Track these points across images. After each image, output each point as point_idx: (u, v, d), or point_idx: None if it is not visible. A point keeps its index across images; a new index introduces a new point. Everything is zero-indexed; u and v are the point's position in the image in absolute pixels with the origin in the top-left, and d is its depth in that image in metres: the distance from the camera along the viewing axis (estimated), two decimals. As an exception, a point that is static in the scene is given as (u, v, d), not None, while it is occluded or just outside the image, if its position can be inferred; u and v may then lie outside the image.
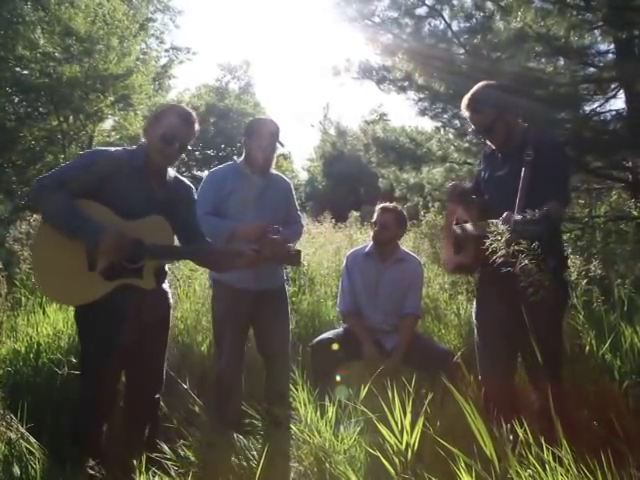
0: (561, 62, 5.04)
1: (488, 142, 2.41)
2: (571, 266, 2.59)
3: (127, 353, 2.25)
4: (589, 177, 5.39)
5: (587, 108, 5.07)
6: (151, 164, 2.21)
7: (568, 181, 2.39)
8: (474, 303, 2.52)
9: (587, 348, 2.33)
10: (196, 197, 2.48)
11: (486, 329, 2.37)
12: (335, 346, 2.87)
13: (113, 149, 2.22)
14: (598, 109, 5.14)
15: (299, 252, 2.36)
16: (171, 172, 2.33)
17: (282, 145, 2.82)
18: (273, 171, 2.91)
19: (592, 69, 5.03)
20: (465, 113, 2.38)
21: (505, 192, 2.17)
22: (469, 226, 2.28)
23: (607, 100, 5.07)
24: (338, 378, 2.10)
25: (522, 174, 2.12)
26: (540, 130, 2.38)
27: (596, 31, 4.80)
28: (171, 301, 2.40)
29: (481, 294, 2.47)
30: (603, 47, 5.02)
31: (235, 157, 2.88)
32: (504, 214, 1.92)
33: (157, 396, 2.35)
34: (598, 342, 2.31)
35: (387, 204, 3.14)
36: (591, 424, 1.92)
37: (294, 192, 3.01)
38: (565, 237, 4.86)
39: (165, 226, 2.17)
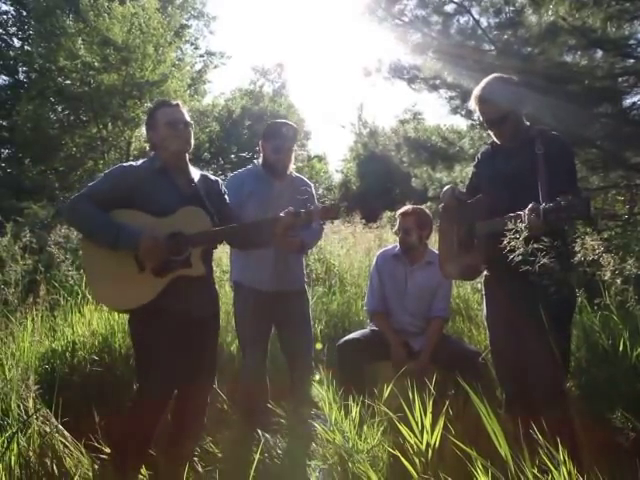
0: (597, 55, 4.87)
1: (494, 136, 2.35)
2: (605, 265, 2.51)
3: (182, 352, 2.28)
4: (629, 173, 5.19)
5: (627, 101, 4.90)
6: (171, 163, 2.26)
7: (576, 177, 2.34)
8: (483, 305, 2.48)
9: (621, 349, 2.25)
10: (224, 189, 2.51)
11: (496, 331, 2.34)
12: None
13: (134, 162, 2.33)
14: (639, 102, 4.95)
15: (336, 205, 2.33)
16: (196, 171, 2.39)
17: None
18: (294, 173, 2.92)
19: (632, 60, 4.85)
20: (475, 105, 2.34)
21: (514, 188, 2.12)
22: (481, 225, 2.23)
23: (649, 93, 4.88)
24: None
25: (538, 167, 2.08)
26: (543, 127, 2.34)
27: (635, 21, 4.63)
28: (218, 299, 2.44)
29: (489, 296, 2.42)
30: (644, 37, 4.83)
31: (255, 161, 2.91)
32: (530, 205, 1.89)
33: (207, 399, 2.35)
34: (632, 342, 2.23)
35: (406, 208, 3.10)
36: (624, 426, 1.86)
37: (315, 193, 2.99)
38: (606, 235, 4.71)
39: (200, 213, 2.22)
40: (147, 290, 2.13)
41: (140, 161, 2.34)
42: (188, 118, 2.30)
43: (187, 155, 2.33)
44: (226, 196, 2.50)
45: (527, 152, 2.18)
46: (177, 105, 2.30)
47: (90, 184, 2.24)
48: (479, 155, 2.56)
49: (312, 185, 3.00)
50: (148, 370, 2.14)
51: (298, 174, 2.99)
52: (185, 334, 2.19)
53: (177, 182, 2.27)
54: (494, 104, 2.25)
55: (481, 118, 2.36)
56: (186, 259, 2.17)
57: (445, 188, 2.51)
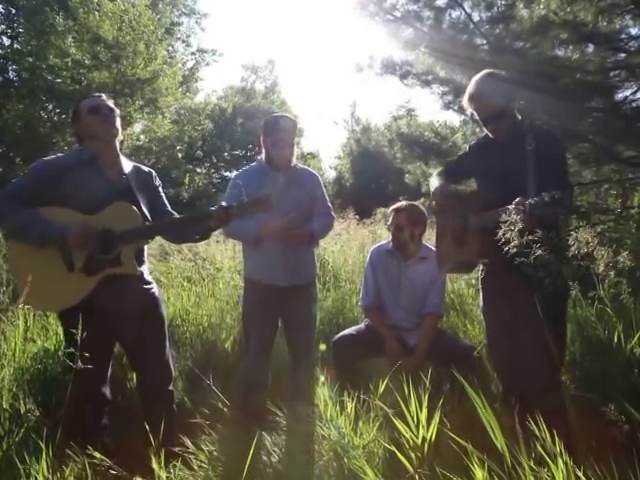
0: (589, 49, 4.87)
1: (490, 132, 2.35)
2: (599, 258, 2.52)
3: (127, 350, 2.29)
4: (621, 167, 5.21)
5: (618, 95, 4.91)
6: (100, 153, 2.22)
7: (568, 171, 2.36)
8: (479, 298, 2.48)
9: (615, 341, 2.26)
10: (158, 181, 2.49)
11: (493, 324, 2.34)
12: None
13: (60, 154, 2.28)
14: (630, 97, 4.96)
15: (267, 195, 2.32)
16: (128, 162, 2.35)
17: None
18: (299, 165, 2.90)
19: (623, 54, 4.86)
20: (469, 104, 2.33)
21: (508, 185, 2.14)
22: (474, 219, 2.23)
23: (641, 86, 4.89)
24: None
25: (529, 163, 2.10)
26: (534, 122, 2.37)
27: (626, 15, 4.64)
28: (156, 291, 2.40)
29: (486, 289, 2.42)
30: (634, 31, 4.84)
31: (259, 157, 2.89)
32: (516, 200, 1.90)
33: (169, 389, 2.38)
34: (627, 335, 2.23)
35: (399, 204, 3.08)
36: (618, 419, 1.86)
37: (322, 184, 2.97)
38: (599, 229, 4.73)
39: (130, 210, 2.18)
40: (77, 290, 2.10)
41: (65, 154, 2.29)
42: (112, 105, 2.27)
43: (117, 144, 2.29)
44: (160, 188, 2.47)
45: (519, 148, 2.19)
46: (100, 95, 2.30)
47: (14, 181, 2.18)
48: (470, 145, 2.56)
49: (319, 176, 2.97)
50: (78, 370, 2.12)
51: (303, 166, 2.96)
52: (124, 332, 2.20)
53: (107, 174, 2.23)
54: (489, 101, 2.25)
55: (476, 116, 2.35)
56: (116, 257, 2.14)
57: (434, 188, 2.51)
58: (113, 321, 2.15)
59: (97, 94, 2.32)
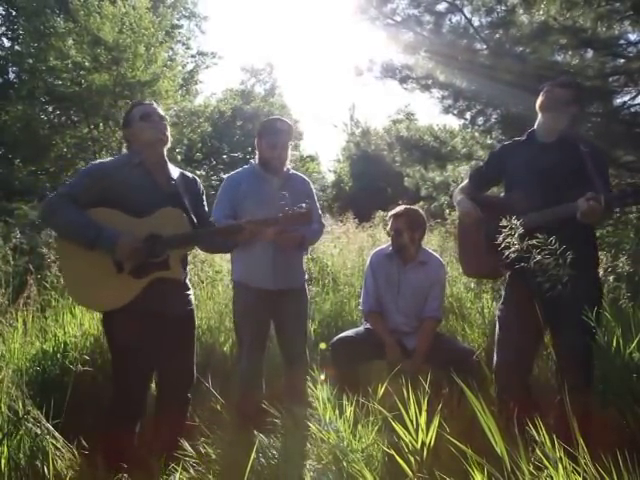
0: (588, 54, 4.90)
1: (549, 124, 2.37)
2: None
3: (158, 352, 2.30)
4: (620, 171, 5.23)
5: (617, 100, 4.93)
6: (149, 159, 2.26)
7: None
8: (503, 294, 2.47)
9: (614, 346, 2.26)
10: (201, 188, 2.53)
11: (512, 326, 2.33)
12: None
13: (111, 158, 2.35)
14: (629, 102, 4.98)
15: (308, 210, 2.32)
16: (175, 169, 2.39)
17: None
18: (292, 171, 2.90)
19: (622, 60, 4.88)
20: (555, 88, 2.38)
21: (550, 181, 2.20)
22: (533, 216, 2.23)
23: (639, 92, 4.91)
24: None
25: (587, 163, 2.16)
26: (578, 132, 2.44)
27: (625, 21, 4.66)
28: (193, 298, 2.44)
29: (511, 291, 2.41)
30: (633, 37, 4.87)
31: (252, 160, 2.90)
32: (587, 194, 1.98)
33: (188, 395, 2.39)
34: (625, 340, 2.23)
35: (398, 209, 3.09)
36: (619, 423, 1.87)
37: (314, 191, 2.98)
38: (598, 233, 4.74)
39: (179, 215, 2.22)
40: (126, 291, 2.13)
41: (115, 157, 2.36)
42: (162, 112, 2.32)
43: (165, 151, 2.32)
44: (203, 196, 2.51)
45: (567, 149, 2.25)
46: (151, 103, 2.36)
47: (68, 182, 2.22)
48: (502, 147, 2.59)
49: (311, 183, 2.98)
50: (124, 371, 2.15)
51: (295, 171, 2.97)
52: (162, 334, 2.21)
53: (156, 179, 2.27)
54: (569, 90, 2.35)
55: (548, 100, 2.37)
56: (164, 261, 2.17)
57: (464, 209, 2.48)
58: (154, 322, 2.16)
59: (148, 102, 2.39)
